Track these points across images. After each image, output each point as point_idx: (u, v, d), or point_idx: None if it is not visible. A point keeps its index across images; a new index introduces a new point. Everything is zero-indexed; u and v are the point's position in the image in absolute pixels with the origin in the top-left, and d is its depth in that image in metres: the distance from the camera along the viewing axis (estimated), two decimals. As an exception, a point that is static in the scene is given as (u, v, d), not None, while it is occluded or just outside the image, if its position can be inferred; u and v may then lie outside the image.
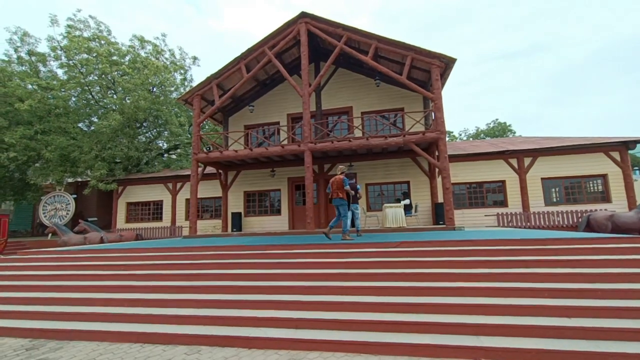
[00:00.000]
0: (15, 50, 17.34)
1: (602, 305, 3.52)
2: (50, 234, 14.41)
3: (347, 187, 6.76)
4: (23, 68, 17.36)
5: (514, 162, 11.98)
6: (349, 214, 6.76)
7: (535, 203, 11.62)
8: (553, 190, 11.94)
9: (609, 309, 3.46)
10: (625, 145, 11.33)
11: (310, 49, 11.55)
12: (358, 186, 10.55)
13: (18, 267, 6.58)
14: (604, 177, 11.48)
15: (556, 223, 11.21)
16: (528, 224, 11.37)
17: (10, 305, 5.19)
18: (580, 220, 10.74)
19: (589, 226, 9.81)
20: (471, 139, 35.93)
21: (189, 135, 21.03)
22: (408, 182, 12.30)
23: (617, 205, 11.06)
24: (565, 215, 11.20)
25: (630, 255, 4.42)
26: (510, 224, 11.48)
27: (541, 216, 11.32)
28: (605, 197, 11.43)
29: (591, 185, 11.78)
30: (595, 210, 10.74)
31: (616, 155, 11.37)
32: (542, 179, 11.77)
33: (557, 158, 11.73)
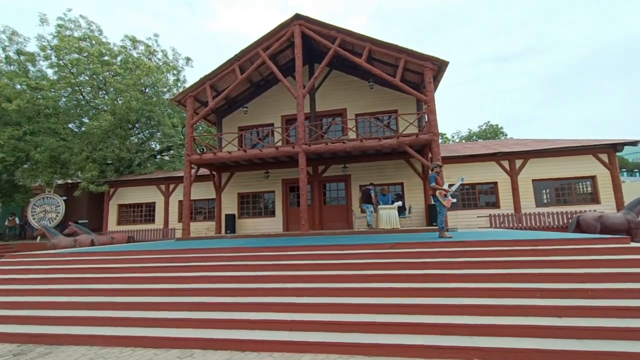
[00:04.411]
0: (3, 50, 17.00)
1: (592, 304, 3.58)
2: (39, 237, 14.14)
3: (433, 184, 6.66)
4: (11, 68, 17.03)
5: (505, 164, 12.14)
6: (444, 211, 6.72)
7: (526, 204, 11.78)
8: (544, 191, 12.12)
9: (598, 308, 3.52)
10: (613, 147, 11.55)
11: (305, 51, 11.57)
12: (372, 190, 10.71)
13: (5, 271, 6.43)
14: (593, 178, 11.69)
15: (547, 224, 11.37)
16: (519, 225, 11.52)
17: (-3, 309, 5.07)
18: (570, 221, 10.91)
19: (579, 227, 9.97)
20: (464, 141, 36.31)
21: (182, 137, 20.84)
22: (402, 184, 12.38)
23: (606, 207, 11.26)
24: (555, 216, 11.37)
25: (618, 255, 4.51)
26: (502, 225, 11.61)
27: (532, 217, 11.48)
28: (594, 198, 11.63)
29: (581, 186, 11.98)
30: (585, 211, 10.92)
31: (604, 157, 11.59)
32: (533, 180, 11.93)
33: (547, 160, 11.92)
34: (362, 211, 11.24)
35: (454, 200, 6.94)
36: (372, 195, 10.76)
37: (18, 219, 18.20)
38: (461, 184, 6.90)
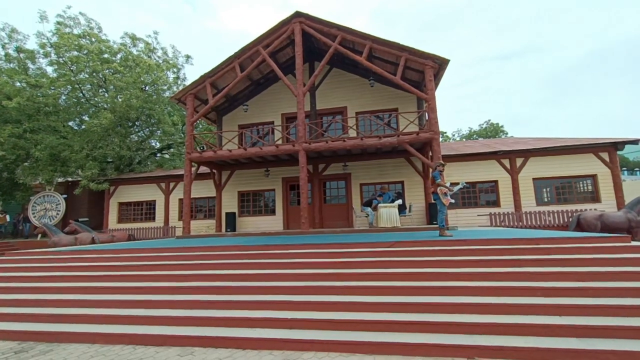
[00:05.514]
0: (3, 47, 16.97)
1: (593, 303, 3.57)
2: (39, 235, 14.14)
3: (439, 181, 6.72)
4: (11, 65, 16.99)
5: (506, 162, 12.12)
6: (444, 209, 6.80)
7: (527, 203, 11.77)
8: (544, 190, 12.11)
9: (600, 307, 3.52)
10: (614, 146, 11.53)
11: (305, 49, 11.53)
12: (375, 201, 10.71)
13: (6, 269, 6.44)
14: (593, 177, 11.67)
15: (547, 223, 11.37)
16: (520, 223, 11.51)
17: (-3, 307, 5.08)
18: (570, 219, 10.91)
19: (579, 226, 9.97)
20: (464, 139, 36.28)
21: (182, 135, 20.82)
22: (402, 182, 12.36)
23: (606, 205, 11.26)
24: (556, 215, 11.36)
25: (618, 254, 4.51)
26: (502, 224, 11.61)
27: (533, 216, 11.47)
28: (594, 197, 11.62)
29: (581, 185, 11.97)
30: (585, 210, 10.91)
31: (605, 156, 11.57)
32: (533, 179, 11.92)
33: (548, 158, 11.90)
34: (363, 209, 11.32)
35: (453, 200, 6.98)
36: (374, 204, 10.84)
37: (9, 217, 18.04)
38: (461, 189, 6.95)
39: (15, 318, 4.74)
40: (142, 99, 17.25)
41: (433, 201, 7.38)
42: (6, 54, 16.92)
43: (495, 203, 12.05)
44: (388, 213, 10.07)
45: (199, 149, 13.05)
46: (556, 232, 6.42)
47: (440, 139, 10.38)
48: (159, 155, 21.35)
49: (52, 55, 16.76)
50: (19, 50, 17.06)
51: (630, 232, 9.31)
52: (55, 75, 16.84)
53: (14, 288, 5.59)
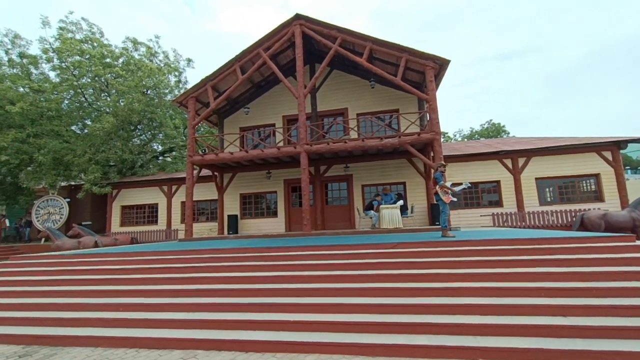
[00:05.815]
0: (6, 53, 17.11)
1: (597, 303, 3.55)
2: (43, 239, 14.22)
3: (442, 182, 6.72)
4: (14, 70, 17.13)
5: (508, 162, 12.07)
6: (447, 210, 6.80)
7: (529, 203, 11.71)
8: (547, 190, 12.05)
9: (604, 307, 3.50)
10: (617, 145, 11.47)
11: (305, 51, 11.56)
12: (375, 202, 10.68)
13: (10, 273, 6.47)
14: (596, 176, 11.61)
15: (550, 222, 11.31)
16: (523, 223, 11.46)
17: (2, 311, 5.10)
18: (574, 219, 10.85)
19: (583, 225, 9.92)
20: (466, 139, 36.19)
21: (184, 138, 20.89)
22: (404, 183, 12.34)
23: (610, 205, 11.18)
24: (559, 214, 11.30)
25: (623, 253, 4.47)
26: (505, 224, 11.56)
27: (536, 216, 11.41)
28: (598, 196, 11.55)
29: (584, 184, 11.90)
30: (589, 209, 10.85)
31: (608, 155, 11.50)
32: (536, 179, 11.86)
33: (550, 158, 11.84)
34: (366, 214, 11.32)
35: (455, 199, 6.95)
36: (375, 205, 10.84)
37: (8, 221, 18.08)
38: (464, 189, 6.93)
39: (19, 322, 4.76)
40: (144, 102, 17.33)
41: (435, 202, 7.41)
42: (9, 60, 17.06)
43: (498, 203, 12.00)
44: (390, 214, 10.05)
45: (200, 152, 13.09)
46: (559, 232, 6.39)
47: (442, 140, 10.36)
48: (161, 158, 21.42)
49: (55, 60, 16.88)
50: (22, 55, 17.19)
51: (634, 231, 9.26)
52: (57, 80, 16.95)
53: (17, 292, 5.62)
